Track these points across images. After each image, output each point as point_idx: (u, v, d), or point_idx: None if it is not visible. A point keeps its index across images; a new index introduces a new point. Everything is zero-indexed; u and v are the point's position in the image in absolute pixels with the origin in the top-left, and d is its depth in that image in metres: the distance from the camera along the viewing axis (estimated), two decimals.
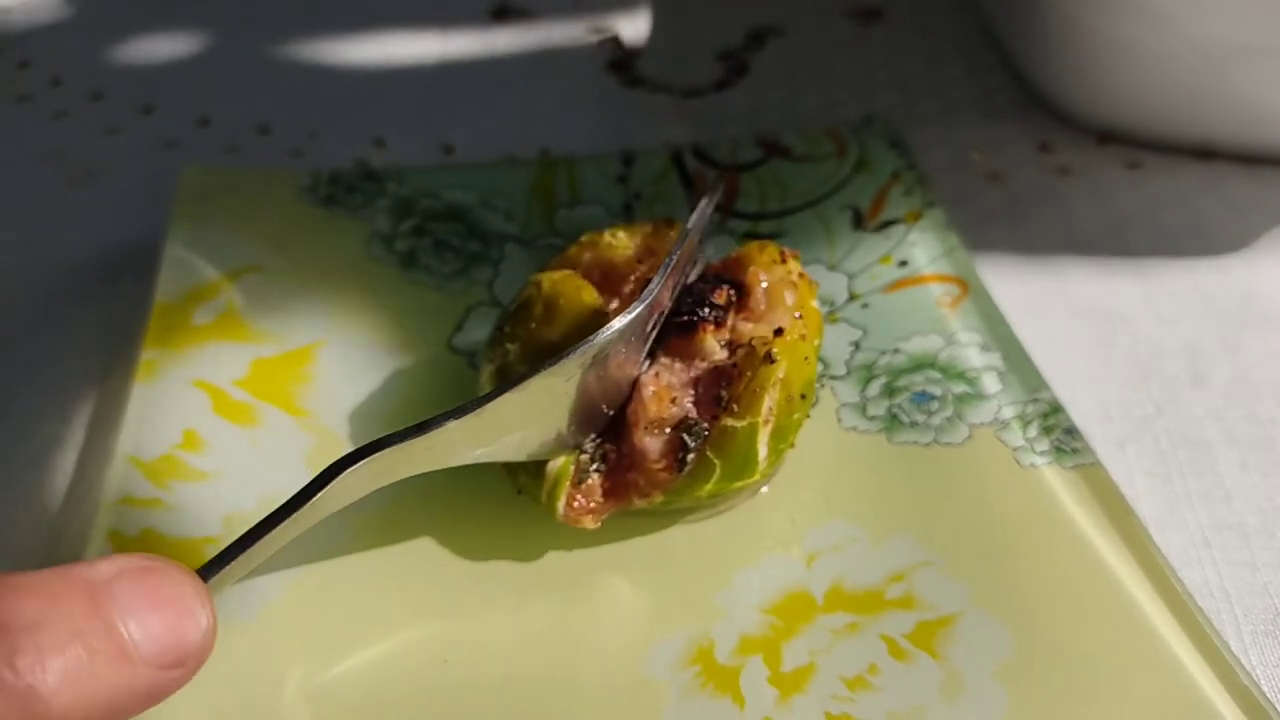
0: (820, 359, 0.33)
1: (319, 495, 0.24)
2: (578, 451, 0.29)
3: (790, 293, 0.30)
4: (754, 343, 0.29)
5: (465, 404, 0.26)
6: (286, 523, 0.23)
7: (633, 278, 0.31)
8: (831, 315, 0.35)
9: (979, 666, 0.25)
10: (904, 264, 0.36)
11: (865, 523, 0.29)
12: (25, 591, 0.18)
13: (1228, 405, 0.33)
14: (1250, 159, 0.41)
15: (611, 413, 0.29)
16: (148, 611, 0.19)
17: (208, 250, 0.34)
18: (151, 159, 0.43)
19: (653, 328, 0.29)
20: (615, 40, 0.49)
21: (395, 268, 0.36)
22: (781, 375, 0.29)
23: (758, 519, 0.30)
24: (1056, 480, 0.29)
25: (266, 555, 0.23)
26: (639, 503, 0.28)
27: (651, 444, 0.28)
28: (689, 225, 0.31)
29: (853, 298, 0.35)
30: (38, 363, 0.34)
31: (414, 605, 0.27)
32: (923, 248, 0.36)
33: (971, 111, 0.45)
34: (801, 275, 0.31)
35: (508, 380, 0.28)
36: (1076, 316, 0.36)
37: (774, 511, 0.30)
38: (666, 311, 0.30)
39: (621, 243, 0.32)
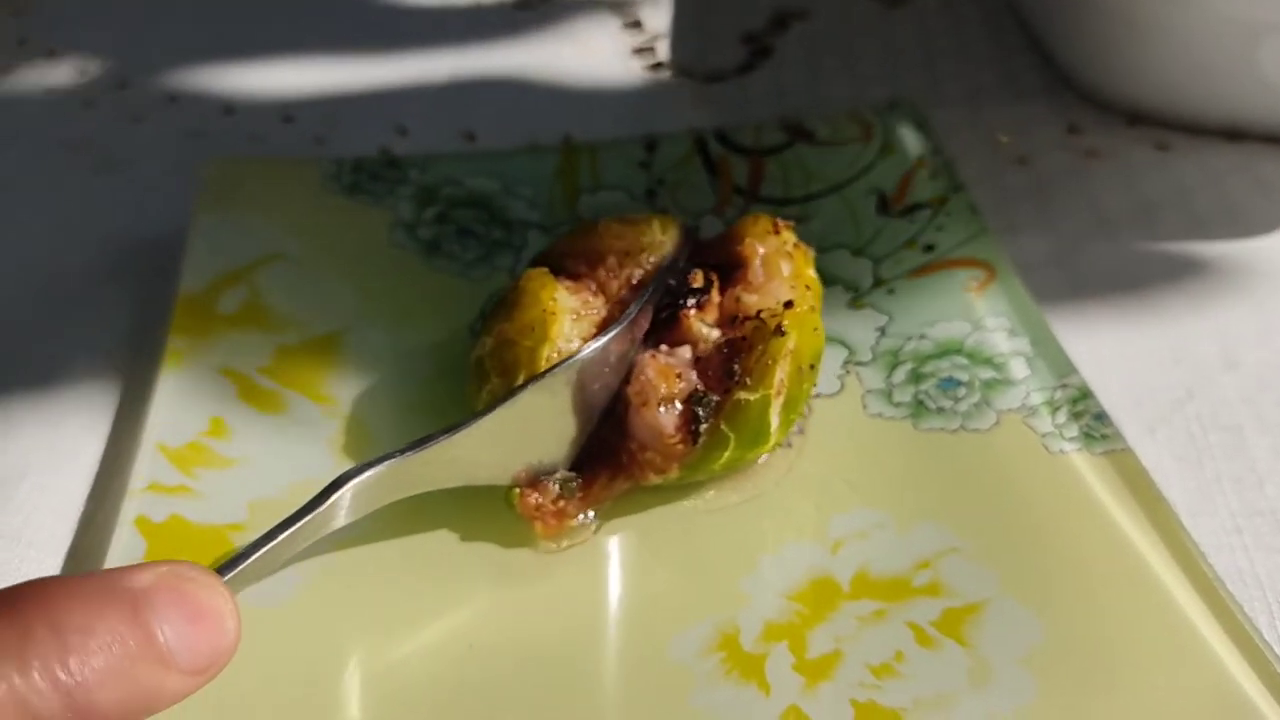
0: (845, 344, 0.33)
1: (319, 509, 0.25)
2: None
3: (786, 263, 0.31)
4: (764, 315, 0.29)
5: (460, 421, 0.27)
6: (290, 533, 0.24)
7: (619, 270, 0.31)
8: (857, 301, 0.34)
9: (1007, 654, 0.25)
10: (930, 248, 0.35)
11: (891, 509, 0.29)
12: (75, 597, 0.19)
13: (1260, 389, 0.33)
14: None
15: (588, 431, 0.29)
16: (183, 620, 0.20)
17: (232, 239, 0.34)
18: (176, 147, 0.43)
19: (635, 351, 0.30)
20: (638, 25, 0.49)
21: (418, 255, 0.36)
22: (792, 347, 0.29)
23: (782, 505, 0.29)
24: (1086, 466, 0.29)
25: (273, 567, 0.24)
26: (655, 479, 0.28)
27: (666, 419, 0.28)
28: (663, 267, 0.31)
29: (878, 283, 0.35)
30: (64, 350, 0.34)
31: (437, 592, 0.27)
32: (949, 232, 0.35)
33: (999, 93, 0.44)
34: (796, 245, 0.31)
35: (483, 376, 0.29)
36: (1106, 300, 0.36)
37: (799, 498, 0.30)
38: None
39: (613, 233, 0.32)
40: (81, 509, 0.30)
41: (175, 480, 0.28)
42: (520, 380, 0.28)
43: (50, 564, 0.28)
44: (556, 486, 0.28)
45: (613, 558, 0.28)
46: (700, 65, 0.47)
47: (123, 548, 0.26)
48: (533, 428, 0.28)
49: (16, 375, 0.33)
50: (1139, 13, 0.39)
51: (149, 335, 0.34)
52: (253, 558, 0.23)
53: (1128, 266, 0.37)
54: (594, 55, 0.47)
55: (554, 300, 0.30)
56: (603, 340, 0.29)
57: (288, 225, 0.35)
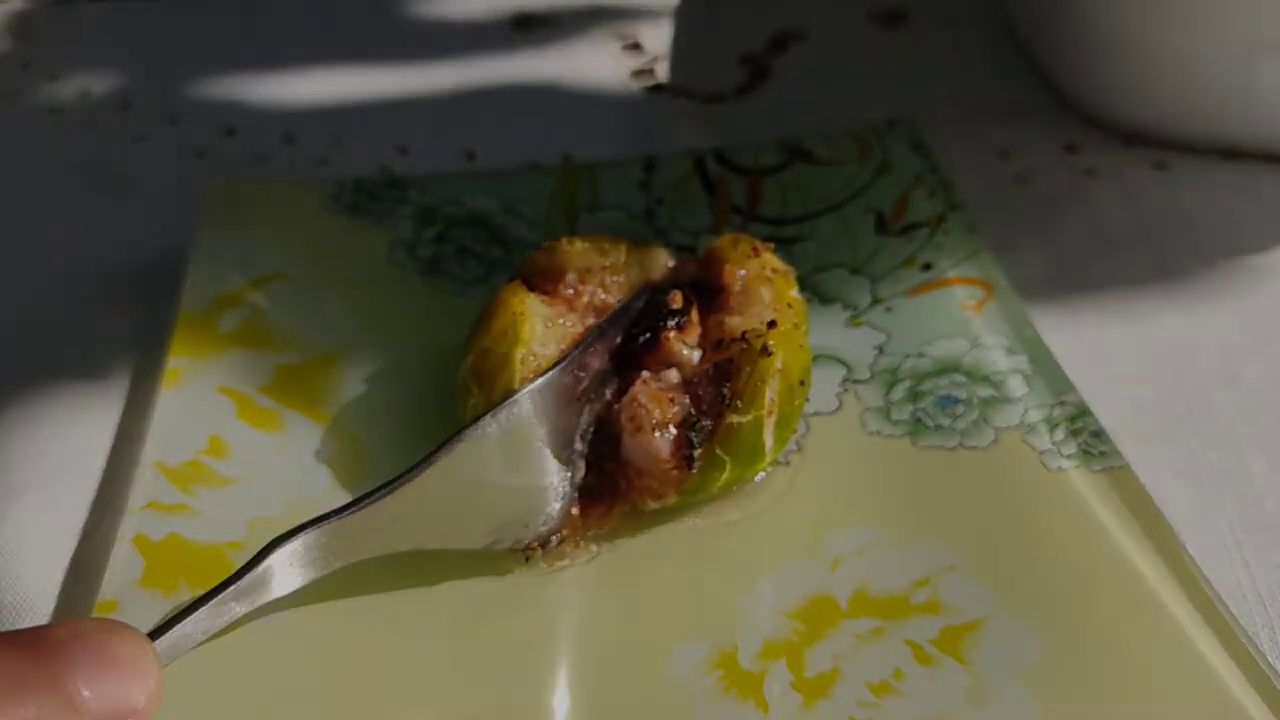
0: (843, 363, 0.33)
1: (242, 581, 0.24)
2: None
3: (767, 288, 0.31)
4: (749, 337, 0.29)
5: (395, 479, 0.26)
6: (217, 603, 0.24)
7: (580, 287, 0.31)
8: (855, 319, 0.35)
9: (1006, 671, 0.25)
10: (928, 267, 0.35)
11: (890, 527, 0.29)
12: None
13: (1259, 406, 0.33)
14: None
15: (564, 486, 0.28)
16: (97, 669, 0.20)
17: (233, 258, 0.35)
18: (179, 168, 0.43)
19: (586, 390, 0.29)
20: (637, 47, 0.49)
21: (418, 274, 0.36)
22: (780, 366, 0.29)
23: (780, 523, 0.29)
24: (1084, 483, 0.29)
25: (207, 634, 0.24)
26: (652, 504, 0.28)
27: (660, 444, 0.28)
28: (620, 307, 0.31)
29: (876, 301, 0.35)
30: (66, 369, 0.34)
31: (434, 610, 0.27)
32: (947, 251, 0.35)
33: (997, 113, 0.45)
34: (775, 269, 0.31)
35: (467, 393, 0.29)
36: (1105, 318, 0.36)
37: (797, 515, 0.30)
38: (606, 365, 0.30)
39: (576, 250, 0.32)
40: (81, 526, 0.30)
41: (174, 499, 0.28)
42: (498, 388, 0.28)
43: (50, 581, 0.28)
44: (541, 552, 0.28)
45: (608, 575, 0.28)
46: (699, 86, 0.47)
47: (121, 566, 0.26)
48: (486, 483, 0.27)
49: (16, 393, 0.33)
50: (1136, 34, 0.39)
51: (149, 353, 0.34)
52: (178, 626, 0.23)
53: (1127, 283, 0.37)
54: (593, 76, 0.48)
55: (524, 304, 0.30)
56: (534, 385, 0.28)
57: (289, 245, 0.35)
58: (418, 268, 0.36)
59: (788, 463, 0.31)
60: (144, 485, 0.28)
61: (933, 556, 0.28)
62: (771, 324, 0.30)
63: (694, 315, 0.31)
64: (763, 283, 0.31)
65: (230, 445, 0.30)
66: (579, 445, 0.29)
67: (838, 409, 0.32)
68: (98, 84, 0.48)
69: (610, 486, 0.29)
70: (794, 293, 0.31)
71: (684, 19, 0.51)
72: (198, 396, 0.31)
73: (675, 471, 0.28)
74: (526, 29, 0.51)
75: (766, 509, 0.30)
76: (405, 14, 0.52)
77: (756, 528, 0.29)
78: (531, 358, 0.29)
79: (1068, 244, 0.39)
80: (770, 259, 0.32)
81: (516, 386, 0.28)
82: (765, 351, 0.29)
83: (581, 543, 0.29)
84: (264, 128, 0.45)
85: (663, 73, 0.48)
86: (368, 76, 0.48)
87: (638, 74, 0.48)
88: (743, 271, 0.31)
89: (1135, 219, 0.39)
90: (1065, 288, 0.37)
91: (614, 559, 0.28)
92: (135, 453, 0.30)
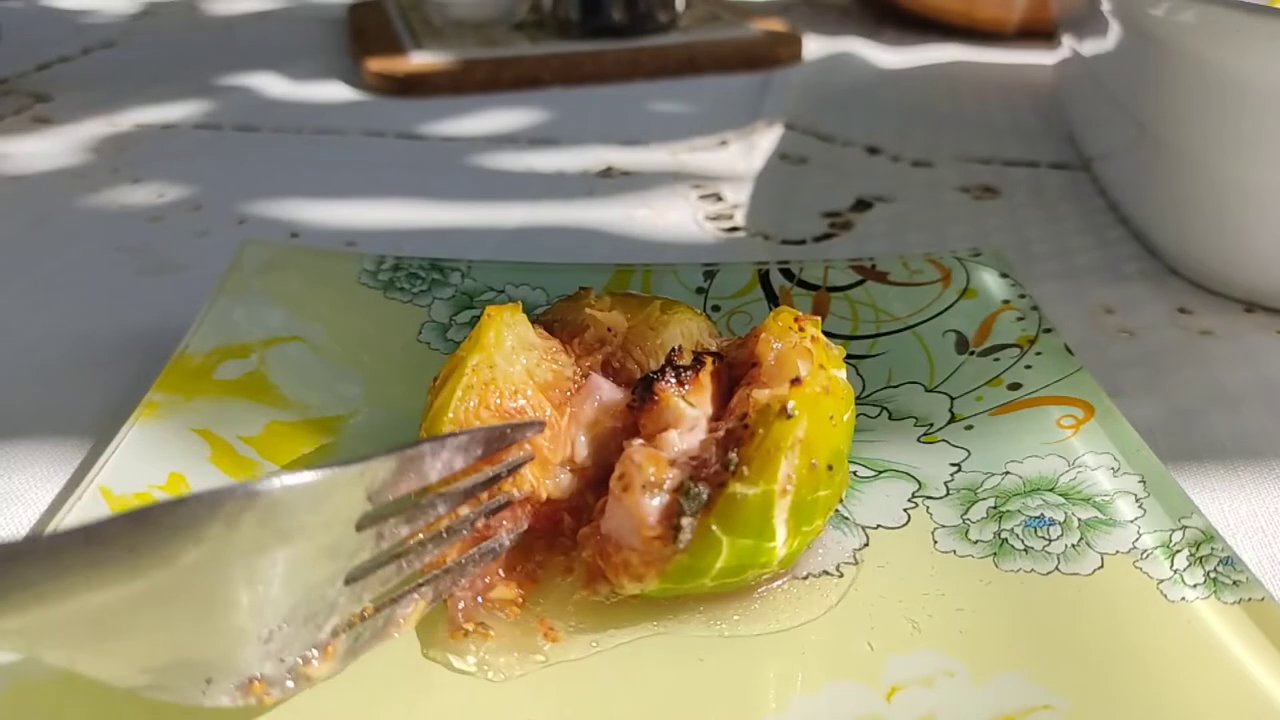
0: (914, 478, 0.28)
1: None
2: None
3: (804, 361, 0.25)
4: (770, 401, 0.24)
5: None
6: None
7: (596, 348, 0.28)
8: (929, 436, 0.30)
9: None
10: (1016, 387, 0.31)
11: (965, 655, 0.23)
12: None
13: None
14: None
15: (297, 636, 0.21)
16: None
17: (250, 315, 0.32)
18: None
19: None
20: (717, 197, 0.48)
21: (445, 355, 0.33)
22: (801, 435, 0.24)
23: (825, 638, 0.24)
24: (1215, 616, 0.23)
25: None
26: (630, 586, 0.23)
27: (648, 507, 0.23)
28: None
29: (955, 418, 0.30)
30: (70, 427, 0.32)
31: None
32: (1039, 371, 0.31)
33: (1099, 274, 0.41)
34: (815, 339, 0.26)
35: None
36: (1231, 467, 0.30)
37: (849, 631, 0.24)
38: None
39: (600, 307, 0.29)
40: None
41: None
42: (444, 394, 0.25)
43: None
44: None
45: (611, 691, 0.23)
46: (778, 231, 0.45)
47: None
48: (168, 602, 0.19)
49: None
50: (1255, 206, 0.36)
51: None
52: None
53: (1255, 439, 0.32)
54: (668, 216, 0.46)
55: (505, 319, 0.27)
56: (302, 479, 0.20)
57: (312, 311, 0.33)
58: (446, 349, 0.33)
59: (839, 574, 0.26)
60: (80, 506, 0.24)
61: (1019, 693, 0.22)
62: (795, 380, 0.24)
63: (703, 377, 0.26)
64: (800, 355, 0.25)
65: (192, 486, 0.26)
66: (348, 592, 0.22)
67: (905, 524, 0.27)
68: (175, 190, 0.48)
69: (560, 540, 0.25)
70: (838, 374, 0.26)
71: (766, 181, 0.50)
72: (170, 433, 0.27)
73: (658, 543, 0.23)
74: (608, 177, 0.50)
75: (810, 621, 0.24)
76: (492, 161, 0.52)
77: (795, 641, 0.24)
78: (488, 369, 0.25)
79: (1184, 396, 0.34)
80: (813, 330, 0.26)
81: (459, 398, 0.25)
82: (785, 413, 0.24)
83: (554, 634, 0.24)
84: (327, 235, 0.44)
85: (740, 218, 0.46)
86: (440, 201, 0.47)
87: (714, 219, 0.46)
88: (779, 344, 0.26)
89: (1260, 379, 0.34)
90: (1184, 436, 0.32)
91: (615, 673, 0.23)
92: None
